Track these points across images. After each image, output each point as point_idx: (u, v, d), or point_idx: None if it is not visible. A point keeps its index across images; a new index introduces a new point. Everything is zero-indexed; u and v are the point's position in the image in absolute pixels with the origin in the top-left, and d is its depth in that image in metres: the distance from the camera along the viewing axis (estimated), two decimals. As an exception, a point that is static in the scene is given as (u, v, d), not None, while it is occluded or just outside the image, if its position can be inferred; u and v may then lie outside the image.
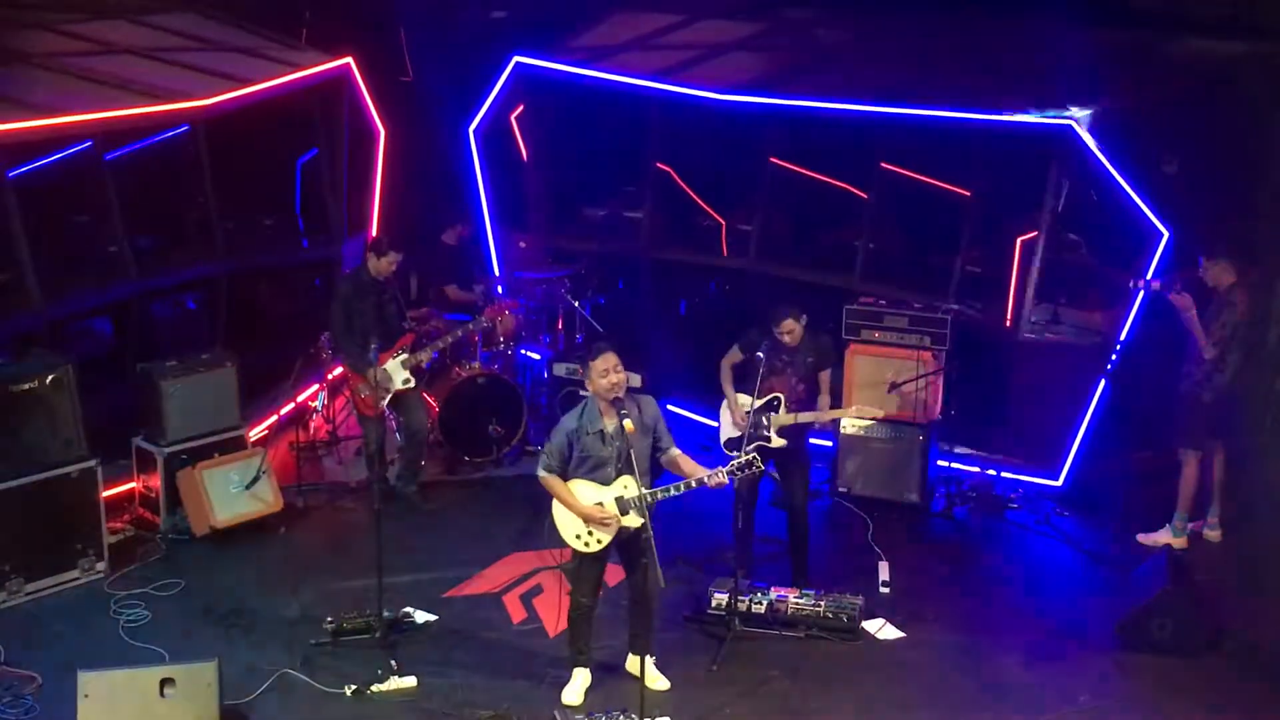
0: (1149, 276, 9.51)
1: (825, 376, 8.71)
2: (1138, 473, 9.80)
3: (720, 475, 7.15)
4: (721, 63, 11.89)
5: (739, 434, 8.54)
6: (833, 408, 8.76)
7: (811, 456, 8.87)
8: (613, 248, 12.38)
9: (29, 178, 9.93)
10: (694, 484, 7.16)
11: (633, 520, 7.23)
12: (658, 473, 7.38)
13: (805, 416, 8.54)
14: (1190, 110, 10.20)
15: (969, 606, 8.70)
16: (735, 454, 8.38)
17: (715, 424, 11.04)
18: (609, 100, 11.80)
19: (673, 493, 7.18)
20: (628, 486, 7.22)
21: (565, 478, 7.31)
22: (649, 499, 7.09)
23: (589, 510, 7.23)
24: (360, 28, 12.86)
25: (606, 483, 7.25)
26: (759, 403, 8.49)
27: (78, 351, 9.49)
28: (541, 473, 7.35)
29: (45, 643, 8.03)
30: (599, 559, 7.41)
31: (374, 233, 12.16)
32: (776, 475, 9.03)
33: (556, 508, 7.36)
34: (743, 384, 8.71)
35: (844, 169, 11.46)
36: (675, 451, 7.35)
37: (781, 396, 8.52)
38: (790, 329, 8.46)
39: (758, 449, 8.49)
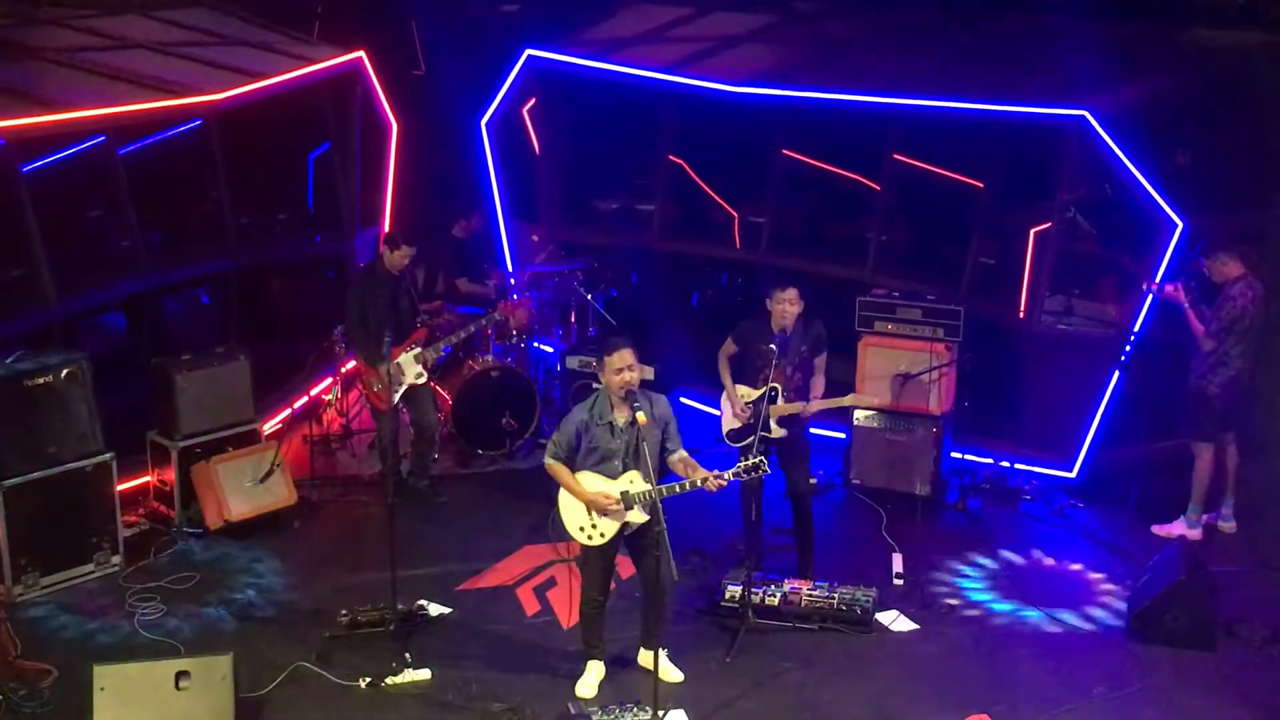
0: (1159, 279, 9.47)
1: (820, 362, 8.64)
2: (1152, 464, 9.79)
3: (725, 477, 7.15)
4: (733, 55, 11.87)
5: (739, 425, 8.54)
6: (826, 395, 8.67)
7: (810, 446, 8.83)
8: (625, 240, 12.38)
9: (43, 173, 9.95)
10: (699, 483, 7.15)
11: (636, 516, 7.24)
12: (664, 473, 7.38)
13: (809, 405, 8.49)
14: (1204, 101, 10.17)
15: (982, 599, 8.69)
16: (738, 445, 8.41)
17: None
18: (621, 93, 11.78)
19: (677, 491, 7.18)
20: (634, 481, 7.22)
21: (572, 469, 7.32)
22: (654, 495, 7.09)
23: (593, 496, 7.23)
24: (372, 21, 12.88)
25: (613, 476, 7.26)
26: (756, 394, 8.46)
27: (92, 346, 9.52)
28: (549, 460, 7.37)
29: (61, 636, 8.06)
30: (606, 552, 7.41)
31: (387, 226, 12.18)
32: (781, 466, 9.01)
33: (562, 500, 7.38)
34: (740, 375, 8.69)
35: (856, 160, 11.44)
36: (683, 453, 7.35)
37: (779, 386, 8.49)
38: (793, 299, 8.38)
39: (766, 445, 8.49)
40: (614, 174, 12.70)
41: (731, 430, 8.74)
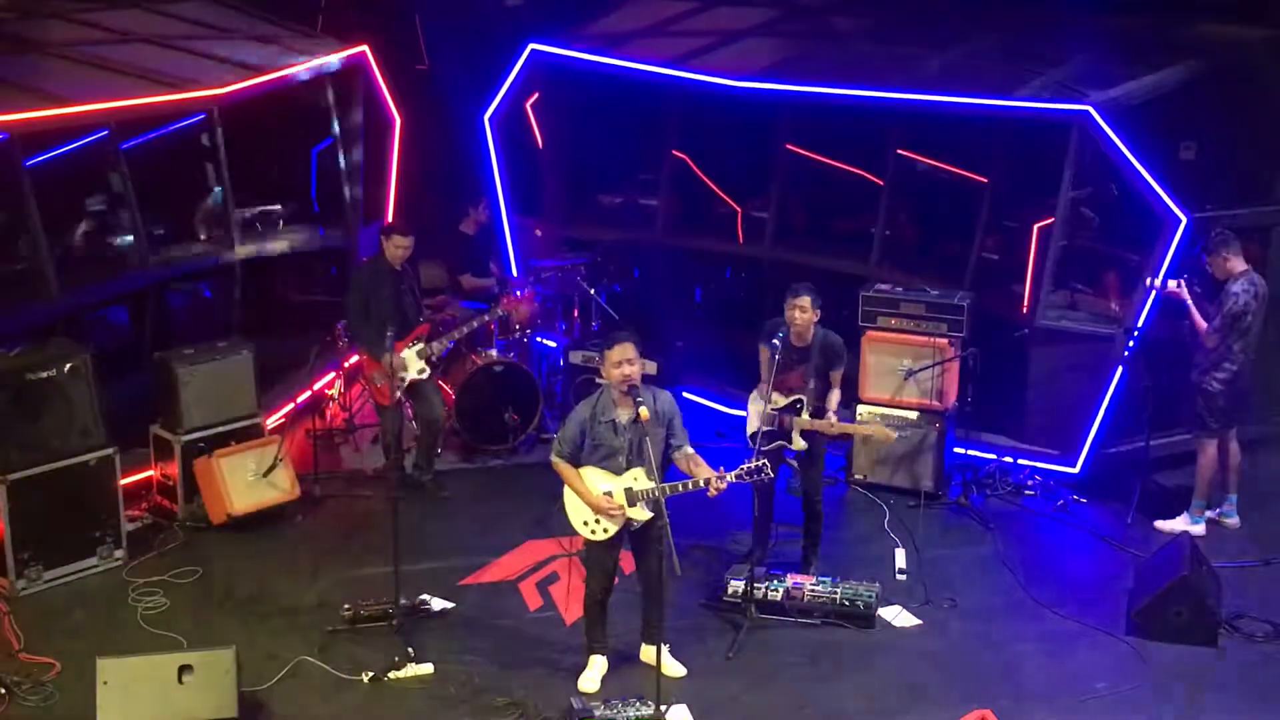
0: (1162, 275, 9.46)
1: (836, 376, 8.61)
2: (1155, 459, 9.78)
3: (729, 479, 7.15)
4: (737, 49, 11.86)
5: (765, 429, 8.47)
6: (839, 409, 8.64)
7: (827, 447, 8.83)
8: (628, 235, 12.37)
9: (46, 166, 9.96)
10: (702, 484, 7.14)
11: (640, 513, 7.24)
12: (667, 467, 7.38)
13: (822, 425, 8.48)
14: (1207, 96, 10.15)
15: (985, 594, 8.69)
16: (757, 448, 8.38)
17: (730, 411, 11.11)
18: (624, 87, 11.77)
19: (680, 490, 7.18)
20: (638, 479, 7.22)
21: (577, 465, 7.32)
22: (658, 493, 7.09)
23: (597, 500, 7.25)
24: (376, 15, 12.89)
25: (618, 473, 7.26)
26: (783, 403, 8.46)
27: (95, 340, 9.53)
28: (554, 458, 7.38)
29: (64, 630, 8.08)
30: (610, 547, 7.42)
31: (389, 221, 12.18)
32: (795, 464, 9.00)
33: (567, 494, 7.39)
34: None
35: (860, 155, 11.44)
36: (689, 450, 7.34)
37: (804, 399, 8.48)
38: (804, 306, 8.42)
39: (779, 446, 8.48)
40: (618, 169, 12.70)
41: (754, 434, 8.66)
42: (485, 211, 12.25)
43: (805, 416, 8.47)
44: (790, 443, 8.50)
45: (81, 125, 9.87)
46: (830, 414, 8.52)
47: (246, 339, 10.02)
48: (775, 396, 8.46)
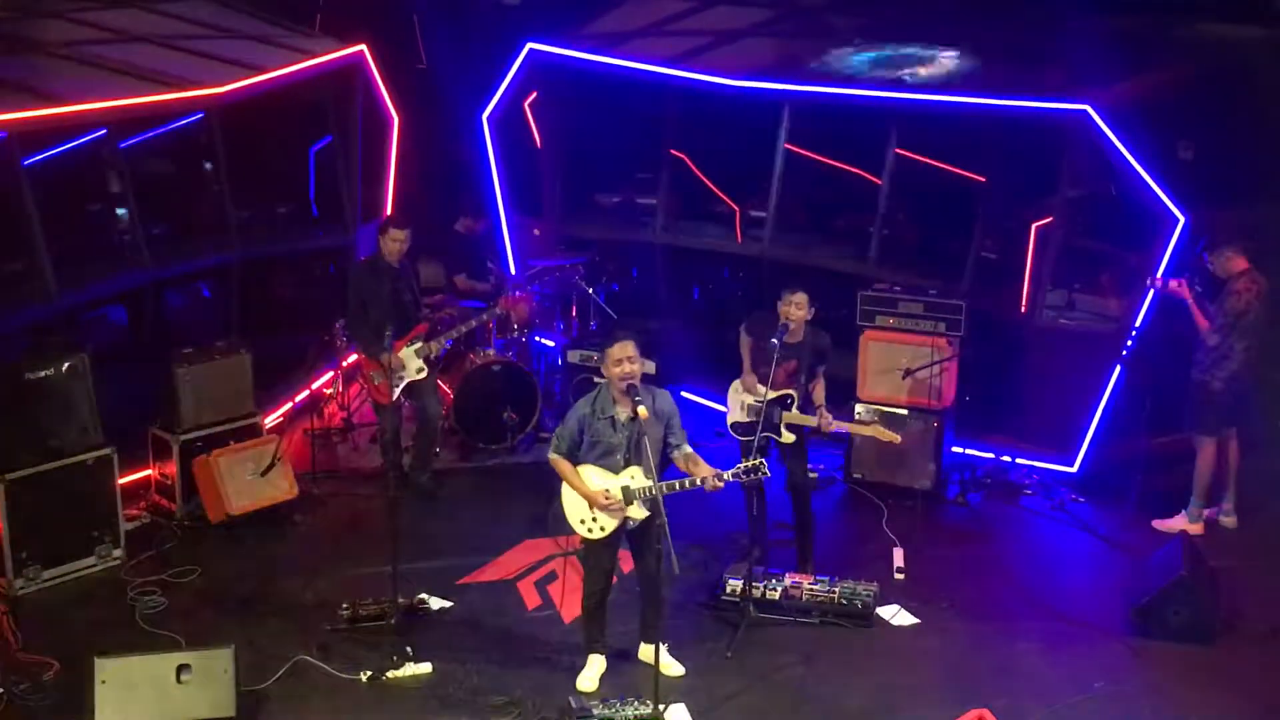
0: (1161, 274, 9.47)
1: (819, 372, 8.66)
2: (1153, 459, 9.78)
3: (725, 478, 7.15)
4: (735, 48, 11.85)
5: (747, 420, 8.52)
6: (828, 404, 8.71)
7: (809, 439, 8.85)
8: (627, 234, 12.37)
9: (44, 166, 9.95)
10: (699, 482, 7.14)
11: (637, 511, 7.24)
12: (665, 467, 7.38)
13: (829, 424, 8.51)
14: (1206, 95, 10.16)
15: (983, 593, 8.69)
16: (744, 438, 8.41)
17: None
18: (623, 87, 11.76)
19: (678, 488, 7.18)
20: (635, 477, 7.23)
21: (575, 462, 7.33)
22: (654, 491, 7.09)
23: (594, 494, 7.25)
24: (374, 15, 12.87)
25: (615, 471, 7.26)
26: (772, 395, 8.47)
27: (93, 340, 9.53)
28: (551, 454, 7.38)
29: (63, 629, 8.07)
30: (608, 546, 7.42)
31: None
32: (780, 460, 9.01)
33: (565, 493, 7.39)
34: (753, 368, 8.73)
35: (858, 155, 11.42)
36: (687, 449, 7.34)
37: (794, 394, 8.50)
38: (800, 303, 8.42)
39: (766, 438, 8.49)
40: (616, 168, 12.69)
41: (736, 423, 8.75)
42: (482, 223, 12.22)
43: (795, 411, 8.49)
44: (779, 436, 8.52)
45: (80, 125, 9.86)
46: (823, 409, 8.54)
47: (245, 338, 10.02)
48: (765, 391, 8.48)
